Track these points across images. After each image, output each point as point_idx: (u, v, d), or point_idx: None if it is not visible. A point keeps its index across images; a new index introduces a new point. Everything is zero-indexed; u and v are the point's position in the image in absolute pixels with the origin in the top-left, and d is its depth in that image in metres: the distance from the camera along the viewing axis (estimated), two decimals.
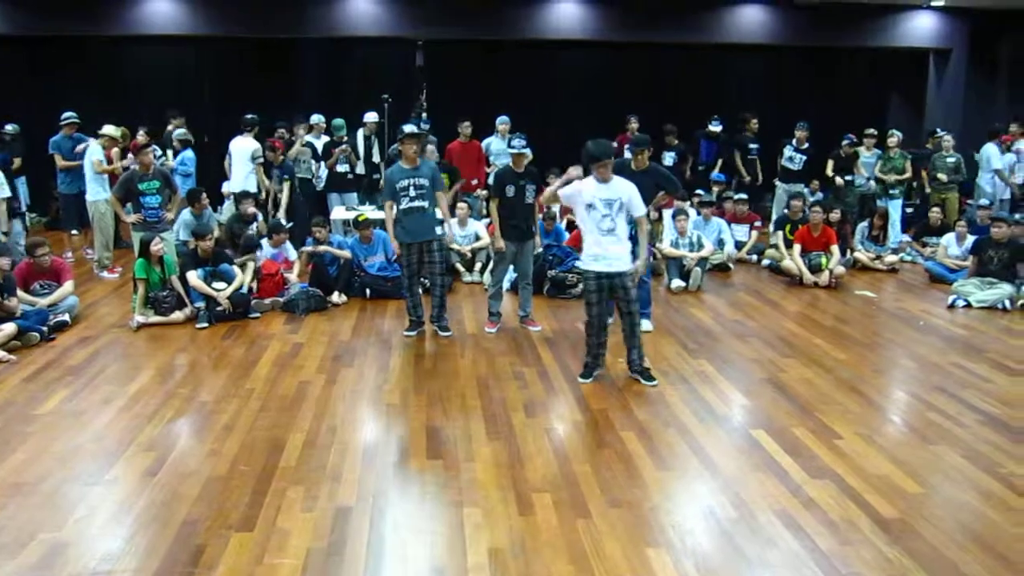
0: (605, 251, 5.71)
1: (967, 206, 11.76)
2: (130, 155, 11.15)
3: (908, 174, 11.52)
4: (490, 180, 9.76)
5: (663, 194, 7.38)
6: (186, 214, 9.20)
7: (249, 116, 10.50)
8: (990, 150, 11.60)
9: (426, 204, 7.01)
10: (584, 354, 6.15)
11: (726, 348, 7.00)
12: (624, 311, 5.89)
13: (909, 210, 12.17)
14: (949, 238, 9.94)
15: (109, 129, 9.46)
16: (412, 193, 6.98)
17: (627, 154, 7.25)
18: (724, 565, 3.68)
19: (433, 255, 7.10)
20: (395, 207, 7.04)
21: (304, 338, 7.19)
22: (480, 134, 11.31)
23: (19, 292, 7.19)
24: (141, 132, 10.43)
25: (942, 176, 11.41)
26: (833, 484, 4.46)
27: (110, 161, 9.89)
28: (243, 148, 10.28)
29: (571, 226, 10.31)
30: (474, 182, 10.65)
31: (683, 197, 8.01)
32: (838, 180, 11.46)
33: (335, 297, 8.29)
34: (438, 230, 7.18)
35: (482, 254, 9.52)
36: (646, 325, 7.30)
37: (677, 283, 9.00)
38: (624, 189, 5.79)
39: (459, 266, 9.41)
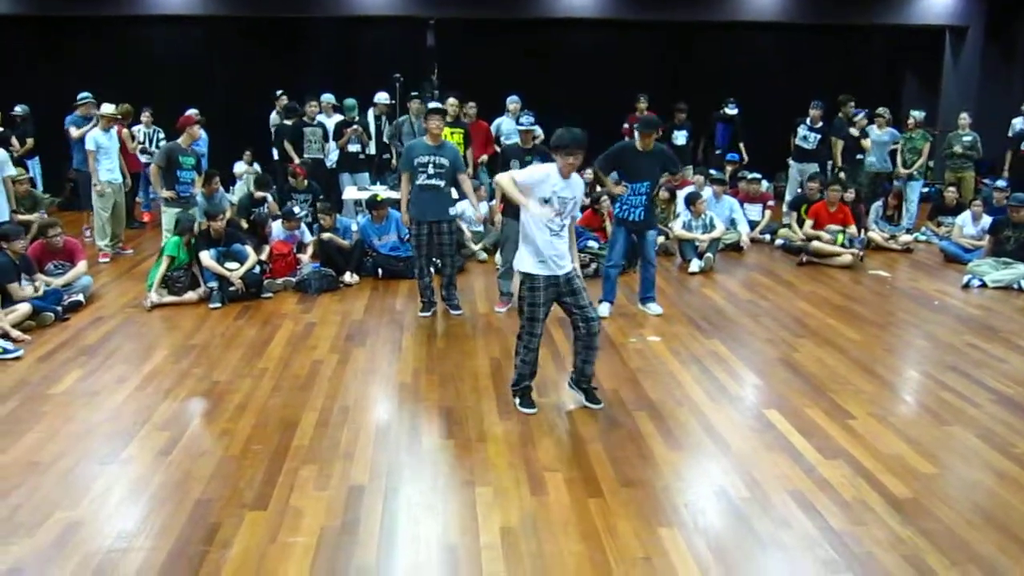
0: (553, 252, 4.86)
1: (983, 185, 11.66)
2: (137, 127, 11.22)
3: (925, 156, 11.40)
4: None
5: (666, 175, 7.36)
6: (198, 195, 9.22)
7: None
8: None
9: (442, 184, 6.95)
10: (515, 382, 5.22)
11: (739, 328, 6.98)
12: (580, 317, 4.99)
13: (925, 190, 12.07)
14: (964, 217, 9.87)
15: (107, 108, 9.44)
16: (431, 171, 6.91)
17: (636, 135, 7.21)
18: (736, 545, 3.68)
19: (443, 236, 7.06)
20: (411, 181, 6.99)
21: (316, 318, 7.20)
22: (492, 114, 11.27)
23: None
24: (194, 111, 10.38)
25: (957, 152, 11.30)
26: (846, 464, 4.44)
27: (121, 140, 9.91)
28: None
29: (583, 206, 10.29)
30: (483, 159, 10.62)
31: (676, 173, 7.85)
32: (866, 164, 11.33)
33: (347, 277, 8.29)
34: (451, 210, 7.15)
35: (493, 234, 9.50)
36: (655, 308, 7.28)
37: (696, 263, 8.95)
38: (579, 188, 4.98)
39: (472, 244, 9.39)
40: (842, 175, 10.83)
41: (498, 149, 10.68)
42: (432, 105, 7.08)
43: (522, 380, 5.18)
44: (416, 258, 7.20)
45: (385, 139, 10.85)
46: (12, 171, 8.19)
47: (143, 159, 11.10)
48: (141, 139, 11.30)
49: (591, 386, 5.25)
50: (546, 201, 4.80)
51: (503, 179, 4.94)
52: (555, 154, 4.86)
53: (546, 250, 4.84)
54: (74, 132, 10.30)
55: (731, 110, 12.38)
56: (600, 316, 7.08)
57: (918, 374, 6.06)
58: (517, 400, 5.19)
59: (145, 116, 11.43)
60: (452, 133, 9.83)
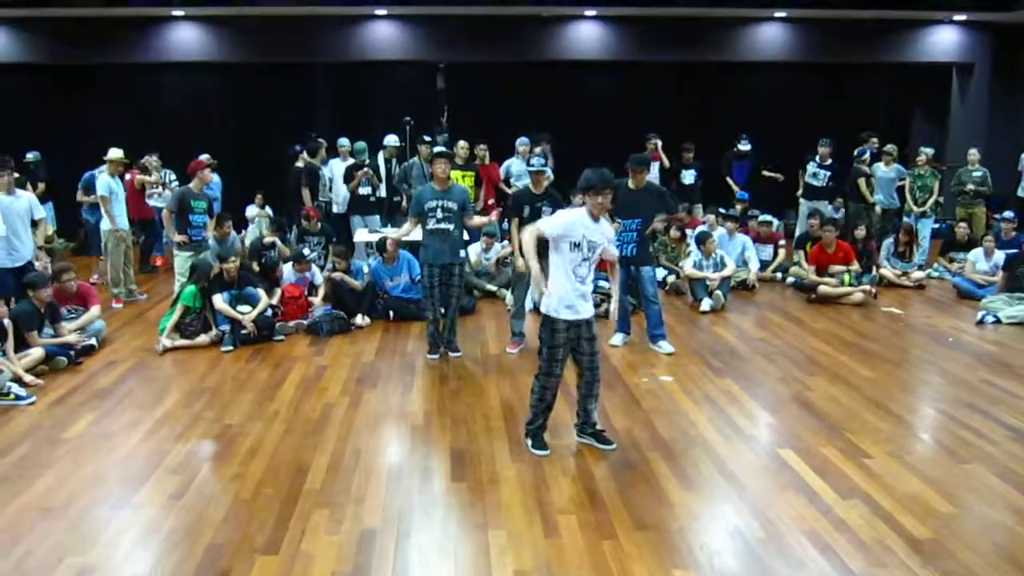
0: (578, 297, 4.86)
1: (994, 220, 11.64)
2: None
3: (936, 193, 11.39)
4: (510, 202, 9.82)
5: (662, 215, 7.39)
6: (210, 239, 9.28)
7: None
8: None
9: (452, 227, 6.99)
10: (530, 421, 5.19)
11: (751, 367, 6.94)
12: (586, 366, 5.00)
13: (936, 226, 12.06)
14: (977, 253, 9.84)
15: (114, 154, 9.46)
16: (439, 215, 6.95)
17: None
18: None
19: (453, 278, 7.08)
20: (421, 226, 7.04)
21: (328, 360, 7.20)
22: (502, 156, 11.35)
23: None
24: (205, 156, 10.49)
25: (969, 189, 11.29)
26: (863, 504, 4.39)
27: (132, 184, 10.02)
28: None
29: None
30: (490, 202, 10.66)
31: (675, 211, 7.84)
32: (875, 202, 11.34)
33: (358, 319, 8.31)
34: (461, 253, 7.18)
35: (505, 274, 9.52)
36: (665, 347, 7.25)
37: (707, 302, 8.93)
38: (607, 233, 4.99)
39: (488, 285, 9.44)
40: (839, 214, 10.87)
41: (507, 190, 10.74)
42: (437, 149, 7.14)
43: (536, 420, 5.15)
44: (426, 300, 7.22)
45: (395, 183, 10.92)
46: (42, 214, 8.25)
47: (153, 204, 11.16)
48: (164, 179, 11.37)
49: (598, 429, 5.21)
50: (576, 246, 4.79)
51: (527, 235, 4.96)
52: (585, 196, 4.88)
53: (572, 295, 4.83)
54: (80, 196, 10.47)
55: (744, 146, 12.43)
56: (612, 344, 7.12)
57: (934, 411, 6.00)
58: (529, 441, 5.16)
59: (155, 161, 11.49)
60: (463, 176, 9.90)
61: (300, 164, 10.73)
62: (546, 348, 4.95)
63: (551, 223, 4.87)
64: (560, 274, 4.84)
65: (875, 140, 11.93)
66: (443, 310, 7.21)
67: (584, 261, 4.82)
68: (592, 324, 4.97)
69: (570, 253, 4.79)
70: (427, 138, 10.58)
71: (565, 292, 4.83)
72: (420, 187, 7.68)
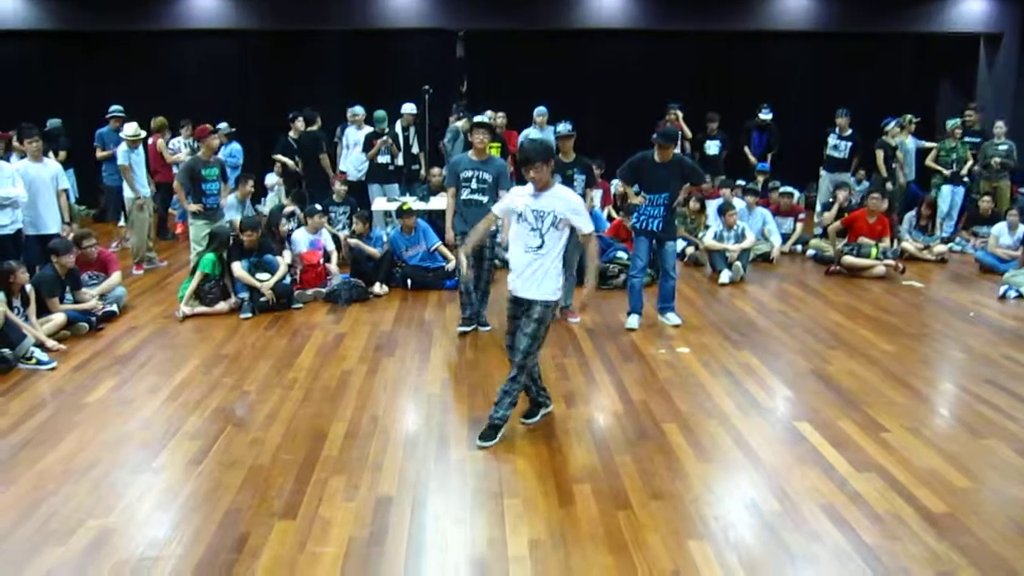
0: (521, 272, 4.78)
1: (1019, 194, 11.49)
2: (176, 139, 11.38)
3: (969, 162, 11.25)
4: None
5: (688, 185, 7.32)
6: (232, 198, 9.30)
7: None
8: None
9: (485, 199, 6.77)
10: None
11: (770, 339, 6.91)
12: (519, 342, 4.79)
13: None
14: (1000, 227, 9.73)
15: (129, 129, 9.43)
16: (474, 185, 6.82)
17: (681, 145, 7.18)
18: (767, 559, 3.63)
19: (483, 251, 6.95)
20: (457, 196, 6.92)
21: (346, 328, 7.24)
22: (521, 125, 11.29)
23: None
24: (223, 124, 10.53)
25: (994, 163, 11.13)
26: (879, 478, 4.38)
27: (154, 148, 10.08)
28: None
29: (610, 216, 10.27)
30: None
31: (702, 182, 7.67)
32: (899, 175, 11.23)
33: (376, 288, 8.33)
34: (492, 227, 7.09)
35: None
36: (673, 319, 7.22)
37: (727, 274, 8.88)
38: (560, 200, 4.73)
39: (506, 255, 9.41)
40: (889, 185, 10.72)
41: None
42: (477, 119, 6.99)
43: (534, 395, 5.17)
44: (458, 272, 7.13)
45: (442, 144, 10.98)
46: (66, 184, 8.29)
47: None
48: (184, 151, 11.42)
49: (492, 421, 4.90)
50: (520, 217, 4.77)
51: (482, 223, 5.19)
52: (523, 169, 4.79)
53: (518, 268, 4.80)
54: (99, 153, 10.53)
55: (765, 115, 12.29)
56: (629, 327, 7.09)
57: (953, 387, 5.96)
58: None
59: (184, 130, 11.57)
60: (491, 146, 9.86)
61: (292, 134, 10.81)
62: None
63: (498, 204, 5.07)
64: (513, 248, 4.86)
65: (911, 119, 11.73)
66: (477, 282, 7.10)
67: (532, 231, 4.72)
68: (532, 306, 4.75)
69: (517, 225, 4.79)
70: (476, 118, 10.65)
71: (513, 263, 4.85)
72: (456, 156, 7.58)
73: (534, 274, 4.74)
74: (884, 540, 3.76)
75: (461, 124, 10.31)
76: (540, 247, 4.72)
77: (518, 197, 4.84)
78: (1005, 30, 13.64)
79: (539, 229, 4.72)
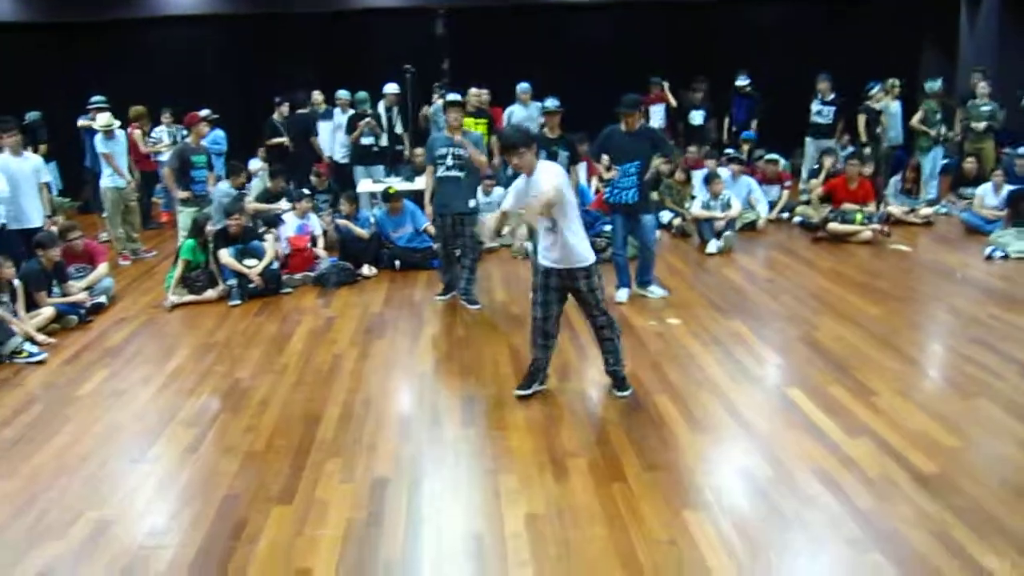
0: (549, 250, 4.93)
1: (1003, 155, 11.51)
2: (159, 127, 11.30)
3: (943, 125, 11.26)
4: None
5: (660, 159, 7.30)
6: (225, 186, 9.22)
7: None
8: None
9: (462, 175, 6.96)
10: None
11: (759, 308, 6.94)
12: (585, 314, 5.13)
13: (944, 161, 11.93)
14: (985, 188, 9.75)
15: (102, 119, 9.33)
16: (449, 162, 6.94)
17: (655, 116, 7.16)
18: (762, 525, 3.67)
19: (464, 228, 7.03)
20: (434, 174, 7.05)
21: (336, 311, 7.23)
22: (505, 102, 11.24)
23: None
24: (205, 110, 10.46)
25: (978, 124, 11.14)
26: (871, 441, 4.42)
27: (133, 141, 10.01)
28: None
29: (596, 190, 10.25)
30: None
31: (672, 156, 7.68)
32: (883, 140, 11.25)
33: (365, 270, 8.32)
34: (471, 203, 7.11)
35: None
36: (657, 291, 7.23)
37: (714, 244, 8.90)
38: (540, 182, 4.74)
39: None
40: (867, 150, 10.71)
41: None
42: (450, 98, 7.09)
43: (532, 365, 5.23)
44: (438, 246, 7.24)
45: (426, 125, 11.04)
46: (48, 177, 8.23)
47: (161, 159, 11.16)
48: (166, 139, 11.35)
49: (620, 374, 5.19)
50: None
51: (490, 219, 5.16)
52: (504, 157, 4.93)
53: (543, 244, 4.97)
54: (81, 121, 10.45)
55: (742, 81, 12.20)
56: (619, 301, 7.10)
57: (941, 348, 6.01)
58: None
59: (166, 117, 11.49)
60: (476, 123, 9.85)
61: (276, 116, 10.85)
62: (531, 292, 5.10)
63: (506, 200, 5.08)
64: (539, 228, 5.00)
65: (897, 82, 11.72)
66: (458, 258, 7.18)
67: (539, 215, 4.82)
68: (575, 273, 4.90)
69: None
70: (449, 96, 10.64)
71: (541, 243, 4.98)
72: (431, 136, 7.67)
73: (561, 247, 4.85)
74: (877, 502, 3.80)
75: (441, 102, 10.31)
76: (552, 227, 4.83)
77: (520, 190, 4.96)
78: None
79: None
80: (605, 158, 7.06)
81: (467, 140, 6.98)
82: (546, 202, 4.65)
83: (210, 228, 7.71)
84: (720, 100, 12.42)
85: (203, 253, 7.67)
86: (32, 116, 11.77)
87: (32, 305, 6.79)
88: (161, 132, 11.43)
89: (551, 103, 7.30)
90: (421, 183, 9.69)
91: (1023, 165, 9.75)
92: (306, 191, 8.85)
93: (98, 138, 9.30)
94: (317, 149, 10.93)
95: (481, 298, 7.27)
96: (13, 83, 12.61)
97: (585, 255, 4.87)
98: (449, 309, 7.17)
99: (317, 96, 11.41)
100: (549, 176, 4.77)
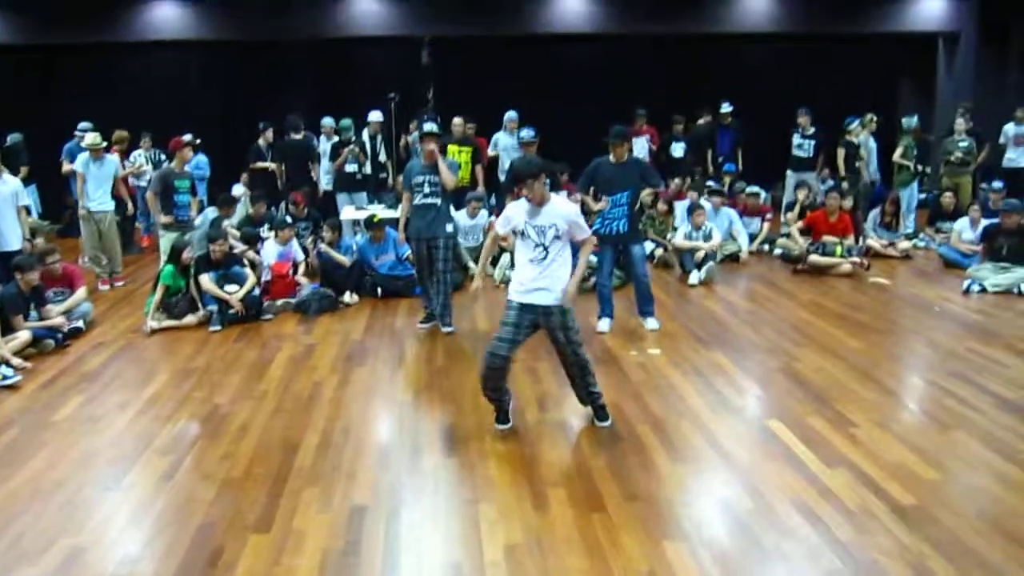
0: (530, 281, 4.81)
1: (980, 190, 11.67)
2: (137, 151, 11.27)
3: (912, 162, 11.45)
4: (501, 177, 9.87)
5: (649, 189, 7.37)
6: (213, 214, 9.19)
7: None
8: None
9: (438, 202, 7.06)
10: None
11: (740, 339, 6.97)
12: (569, 355, 4.97)
13: (922, 196, 12.10)
14: (963, 223, 9.86)
15: (90, 139, 9.29)
16: (426, 190, 7.03)
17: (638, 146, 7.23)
18: (741, 556, 3.66)
19: (438, 252, 7.08)
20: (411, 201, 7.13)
21: (317, 339, 7.20)
22: (489, 131, 11.31)
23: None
24: (188, 135, 10.45)
25: (956, 158, 11.31)
26: (849, 473, 4.43)
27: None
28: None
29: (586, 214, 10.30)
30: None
31: (658, 186, 7.86)
32: (864, 173, 11.40)
33: (347, 297, 8.30)
34: (448, 227, 7.16)
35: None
36: (652, 323, 7.25)
37: (696, 275, 8.94)
38: (558, 214, 4.79)
39: (470, 263, 9.35)
40: (845, 184, 10.83)
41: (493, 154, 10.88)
42: (426, 128, 7.15)
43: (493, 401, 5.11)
44: (416, 272, 7.29)
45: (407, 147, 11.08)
46: (27, 200, 8.18)
47: (140, 183, 11.13)
48: (143, 163, 11.33)
49: (598, 404, 5.17)
50: (523, 234, 4.84)
51: (488, 242, 5.43)
52: (515, 187, 4.89)
53: (526, 280, 4.84)
54: (65, 167, 10.37)
55: (726, 108, 12.35)
56: (600, 331, 7.12)
57: (920, 381, 6.05)
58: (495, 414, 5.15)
59: (145, 141, 11.48)
60: (460, 151, 9.91)
61: (261, 142, 10.88)
62: (500, 328, 4.91)
63: (499, 222, 5.02)
64: (518, 260, 4.93)
65: (872, 118, 11.90)
66: (435, 284, 7.20)
67: (537, 247, 4.80)
68: (562, 313, 4.84)
69: (521, 242, 4.87)
70: (425, 127, 10.71)
71: (518, 273, 4.89)
72: (409, 163, 7.74)
73: (548, 278, 4.79)
74: (855, 534, 3.81)
75: (414, 134, 10.54)
76: (544, 259, 4.81)
77: (517, 214, 4.87)
78: (962, 29, 13.88)
79: (542, 244, 4.80)
80: (591, 193, 7.12)
81: (442, 162, 7.06)
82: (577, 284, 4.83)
83: (187, 255, 7.66)
84: (700, 132, 12.55)
85: (183, 278, 7.63)
86: (13, 138, 11.75)
87: (8, 329, 6.72)
88: (139, 156, 11.42)
89: (527, 133, 7.40)
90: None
91: (997, 200, 9.87)
92: (288, 219, 8.85)
93: (82, 158, 9.21)
94: (315, 176, 10.87)
95: (462, 326, 7.27)
96: None
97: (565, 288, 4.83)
98: (430, 337, 7.16)
99: (327, 123, 11.30)
100: (565, 206, 4.90)
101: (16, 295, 6.88)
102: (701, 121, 12.64)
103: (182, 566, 3.66)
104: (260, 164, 11.11)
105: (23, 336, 6.71)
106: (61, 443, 5.06)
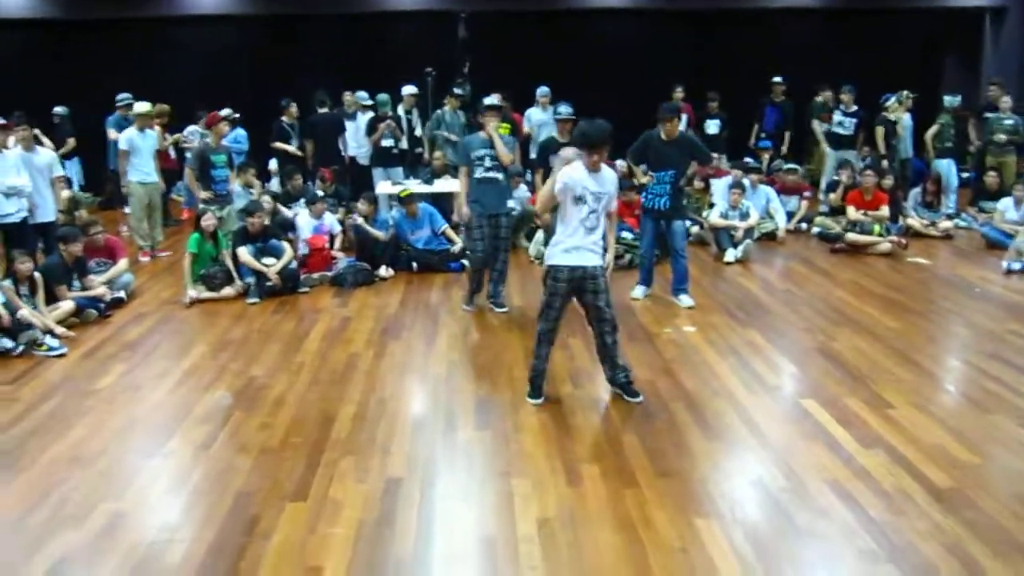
0: (580, 243, 4.86)
1: None
2: (191, 127, 11.36)
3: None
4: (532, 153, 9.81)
5: (695, 164, 7.33)
6: (237, 186, 9.26)
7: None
8: None
9: (501, 176, 6.96)
10: (531, 370, 5.23)
11: (775, 317, 6.92)
12: (595, 318, 5.03)
13: (965, 175, 11.86)
14: (1006, 202, 9.68)
15: (140, 107, 9.43)
16: (488, 163, 6.90)
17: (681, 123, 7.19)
18: (774, 535, 3.66)
19: (501, 229, 7.01)
20: (470, 175, 6.97)
21: (352, 312, 7.26)
22: (523, 106, 11.27)
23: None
24: (227, 110, 10.51)
25: (1000, 138, 11.07)
26: (885, 454, 4.40)
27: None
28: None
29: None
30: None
31: (708, 162, 7.88)
32: (900, 151, 11.22)
33: (382, 271, 8.35)
34: (509, 203, 7.13)
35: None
36: (686, 300, 7.22)
37: (732, 253, 8.87)
38: (612, 181, 4.97)
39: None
40: (885, 162, 10.65)
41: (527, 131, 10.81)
42: (488, 102, 7.08)
43: (534, 371, 5.19)
44: (476, 252, 7.01)
45: (425, 134, 10.97)
46: (61, 171, 8.29)
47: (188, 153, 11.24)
48: (197, 140, 11.43)
49: (627, 380, 5.19)
50: (580, 199, 4.83)
51: (544, 196, 5.15)
52: (586, 151, 4.88)
53: (572, 240, 4.87)
54: (112, 135, 10.45)
55: (777, 80, 12.19)
56: (633, 297, 7.13)
57: (959, 362, 5.97)
58: (528, 388, 5.19)
59: (201, 120, 11.56)
60: (500, 127, 9.89)
61: (284, 119, 10.86)
62: (546, 295, 4.98)
63: (557, 186, 4.89)
64: (566, 223, 4.90)
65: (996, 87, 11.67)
66: (493, 262, 7.10)
67: (592, 213, 4.85)
68: (598, 276, 4.93)
69: (574, 207, 4.84)
70: (458, 92, 10.61)
71: (567, 238, 4.89)
72: (466, 136, 7.68)
73: (596, 243, 4.93)
74: (890, 516, 3.78)
75: (452, 102, 10.56)
76: (596, 225, 4.90)
77: (579, 179, 4.84)
78: (1010, 4, 13.53)
79: (596, 211, 4.88)
80: (643, 166, 7.10)
81: (498, 138, 6.93)
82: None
83: (206, 221, 7.72)
84: (746, 110, 12.40)
85: (210, 246, 7.70)
86: (60, 111, 11.91)
87: (52, 298, 6.85)
88: (195, 131, 11.51)
89: (564, 110, 7.34)
90: (440, 186, 9.78)
91: None
92: (320, 192, 8.91)
93: (125, 135, 9.29)
94: (344, 149, 10.92)
95: (507, 307, 7.23)
96: (40, 79, 12.76)
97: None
98: (466, 313, 7.17)
99: (348, 97, 11.38)
100: (613, 175, 5.04)
101: (60, 265, 7.01)
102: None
103: (220, 533, 3.74)
104: (281, 145, 11.03)
105: (66, 306, 6.84)
106: (103, 411, 5.16)
